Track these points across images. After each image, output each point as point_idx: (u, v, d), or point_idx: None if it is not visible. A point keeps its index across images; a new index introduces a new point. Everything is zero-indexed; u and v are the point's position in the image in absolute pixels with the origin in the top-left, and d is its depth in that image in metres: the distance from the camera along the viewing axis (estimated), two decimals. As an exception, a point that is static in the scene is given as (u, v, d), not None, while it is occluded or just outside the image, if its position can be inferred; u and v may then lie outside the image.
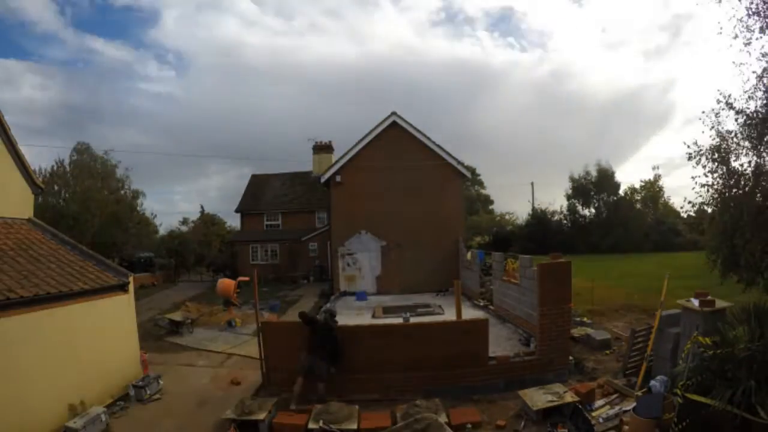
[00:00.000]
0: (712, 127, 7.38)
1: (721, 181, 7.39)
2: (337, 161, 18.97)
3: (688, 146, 7.64)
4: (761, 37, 6.76)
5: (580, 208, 31.60)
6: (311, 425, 6.17)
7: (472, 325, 8.10)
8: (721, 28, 7.11)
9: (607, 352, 8.78)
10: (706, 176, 7.51)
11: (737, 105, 7.04)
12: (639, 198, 30.31)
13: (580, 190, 31.15)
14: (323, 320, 7.56)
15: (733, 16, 6.98)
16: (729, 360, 4.83)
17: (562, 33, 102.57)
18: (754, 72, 6.82)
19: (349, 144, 18.69)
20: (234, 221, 34.58)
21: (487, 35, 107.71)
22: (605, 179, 30.48)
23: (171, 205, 79.94)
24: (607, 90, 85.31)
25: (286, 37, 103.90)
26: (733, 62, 7.05)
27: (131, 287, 8.52)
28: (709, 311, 5.97)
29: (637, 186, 30.88)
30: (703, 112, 7.45)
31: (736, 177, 7.19)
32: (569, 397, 6.29)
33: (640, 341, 7.37)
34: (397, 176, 17.37)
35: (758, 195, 6.89)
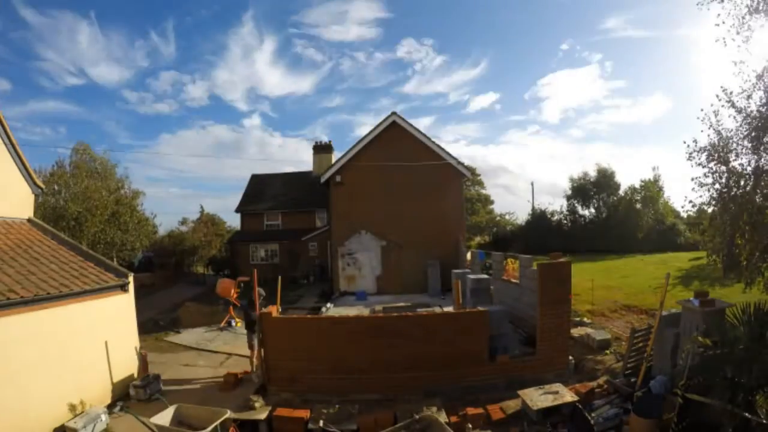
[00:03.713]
0: (711, 126, 7.38)
1: (721, 181, 7.38)
2: (337, 161, 18.96)
3: (688, 145, 7.64)
4: (762, 35, 6.76)
5: (579, 208, 31.61)
6: (311, 425, 6.18)
7: (471, 316, 8.02)
8: (721, 20, 7.09)
9: (607, 352, 8.77)
10: (706, 176, 7.51)
11: (737, 103, 7.04)
12: (639, 198, 30.28)
13: (580, 190, 31.14)
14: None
15: (731, 14, 6.97)
16: (729, 360, 4.83)
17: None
18: (754, 71, 6.82)
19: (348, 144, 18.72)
20: (234, 221, 34.67)
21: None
22: (605, 179, 30.47)
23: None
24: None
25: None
26: (733, 62, 7.02)
27: (131, 287, 8.53)
28: (709, 311, 5.98)
29: (637, 186, 30.88)
30: (702, 110, 7.47)
31: (735, 176, 7.18)
32: (569, 397, 6.30)
33: (640, 341, 7.37)
34: (397, 176, 17.37)
35: (758, 195, 6.89)
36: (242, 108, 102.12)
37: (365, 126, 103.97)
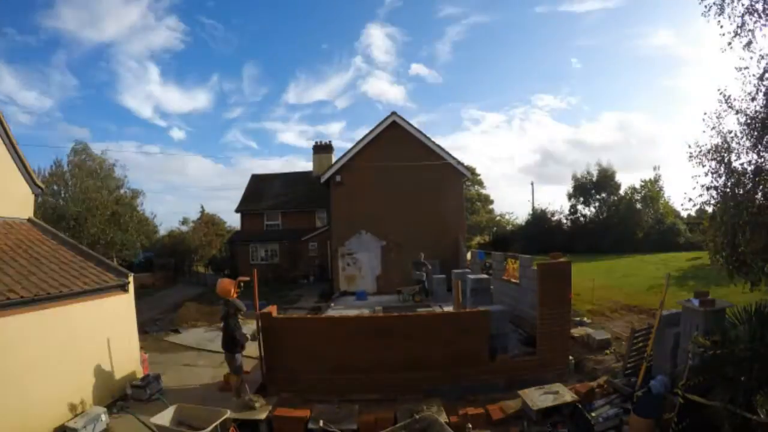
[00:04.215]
0: (713, 128, 7.39)
1: (721, 181, 7.39)
2: (337, 161, 18.98)
3: (689, 146, 7.66)
4: (763, 37, 6.77)
5: (580, 207, 31.64)
6: (311, 425, 6.17)
7: (471, 316, 8.03)
8: (721, 27, 7.10)
9: (607, 352, 8.77)
10: (707, 176, 7.53)
11: (738, 105, 7.05)
12: (639, 198, 30.29)
13: (581, 189, 31.16)
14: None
15: (734, 16, 6.97)
16: (729, 360, 4.83)
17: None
18: (754, 74, 6.83)
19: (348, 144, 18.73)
20: (234, 221, 34.68)
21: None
22: (606, 179, 30.50)
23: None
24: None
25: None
26: (735, 67, 7.03)
27: (131, 287, 8.53)
28: (709, 311, 5.97)
29: (637, 186, 30.91)
30: (705, 113, 7.51)
31: (736, 176, 7.19)
32: (569, 397, 6.30)
33: (640, 341, 7.36)
34: (397, 176, 17.37)
35: (758, 195, 6.89)
36: (161, 124, 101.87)
37: (287, 133, 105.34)
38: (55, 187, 22.11)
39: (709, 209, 7.92)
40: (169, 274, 27.38)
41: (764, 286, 7.05)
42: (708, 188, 7.50)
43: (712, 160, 7.39)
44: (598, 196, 30.96)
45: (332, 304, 15.37)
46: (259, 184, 29.88)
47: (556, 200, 78.09)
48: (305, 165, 42.46)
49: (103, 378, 7.61)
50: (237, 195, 29.20)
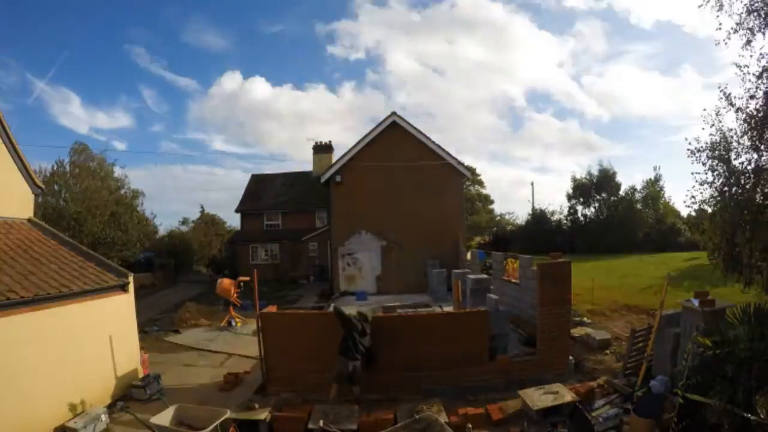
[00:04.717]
0: (713, 125, 7.41)
1: (721, 179, 7.40)
2: (337, 161, 18.96)
3: (689, 142, 7.67)
4: (762, 36, 6.78)
5: (580, 208, 31.67)
6: (311, 425, 6.17)
7: (471, 316, 8.02)
8: (720, 25, 7.11)
9: (607, 352, 8.77)
10: (706, 173, 7.54)
11: (737, 103, 7.07)
12: (639, 198, 30.31)
13: (581, 189, 31.19)
14: (356, 319, 7.27)
15: (734, 13, 6.98)
16: (729, 360, 4.83)
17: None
18: (753, 73, 6.84)
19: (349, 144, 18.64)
20: (234, 221, 34.68)
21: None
22: (606, 179, 30.52)
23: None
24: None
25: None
26: (734, 63, 7.04)
27: (131, 287, 8.52)
28: (709, 311, 5.97)
29: (638, 186, 30.93)
30: (704, 110, 7.55)
31: (736, 175, 7.20)
32: (569, 397, 6.29)
33: (640, 341, 7.37)
34: (397, 176, 17.37)
35: (758, 194, 6.90)
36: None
37: (215, 141, 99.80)
38: (56, 187, 22.13)
39: (709, 209, 7.94)
40: (169, 274, 27.36)
41: (758, 287, 7.06)
42: (708, 183, 7.52)
43: (711, 158, 7.41)
44: (598, 197, 30.96)
45: (332, 305, 15.36)
46: (259, 184, 29.88)
47: (556, 200, 77.68)
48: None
49: (103, 378, 7.61)
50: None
